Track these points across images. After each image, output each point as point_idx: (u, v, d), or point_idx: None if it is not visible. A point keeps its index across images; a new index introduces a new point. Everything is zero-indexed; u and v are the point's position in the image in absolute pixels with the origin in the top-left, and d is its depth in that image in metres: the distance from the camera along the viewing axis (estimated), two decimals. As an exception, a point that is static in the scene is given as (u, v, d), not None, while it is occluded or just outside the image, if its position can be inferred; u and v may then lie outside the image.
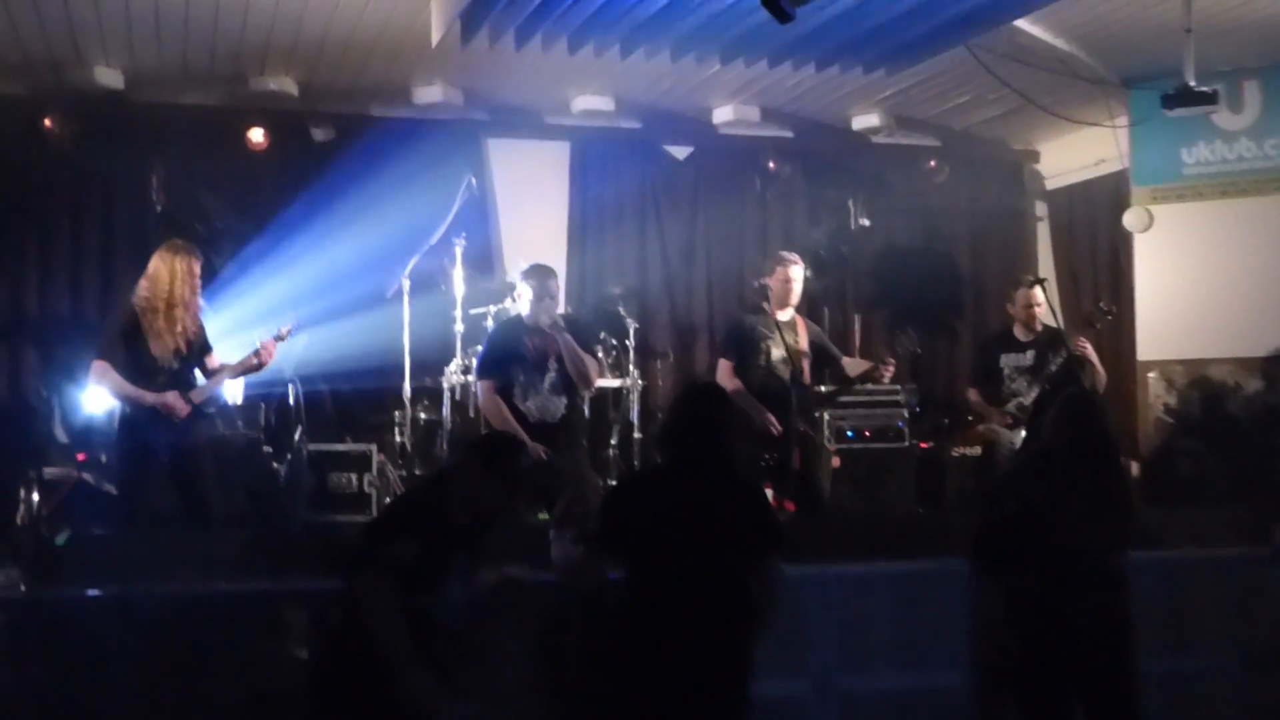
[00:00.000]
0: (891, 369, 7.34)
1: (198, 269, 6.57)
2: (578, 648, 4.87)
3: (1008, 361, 7.66)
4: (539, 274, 6.63)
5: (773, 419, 6.99)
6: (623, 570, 4.25)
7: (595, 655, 4.41)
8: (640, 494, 4.45)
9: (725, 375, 7.31)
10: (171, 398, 6.37)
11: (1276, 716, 5.74)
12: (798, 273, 7.41)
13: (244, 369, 6.69)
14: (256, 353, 6.61)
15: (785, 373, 7.16)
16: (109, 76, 8.62)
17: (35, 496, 6.63)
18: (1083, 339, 7.45)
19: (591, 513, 4.64)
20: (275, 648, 5.77)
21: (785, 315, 7.34)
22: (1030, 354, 7.60)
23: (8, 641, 5.56)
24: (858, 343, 10.10)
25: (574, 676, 4.94)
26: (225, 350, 6.88)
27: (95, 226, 9.18)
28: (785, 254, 7.57)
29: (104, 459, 7.47)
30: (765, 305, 7.35)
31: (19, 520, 6.95)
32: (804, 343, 7.32)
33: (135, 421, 6.40)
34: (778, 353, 7.21)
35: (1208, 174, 8.91)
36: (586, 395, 7.14)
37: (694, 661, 4.05)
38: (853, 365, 7.68)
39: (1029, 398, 7.43)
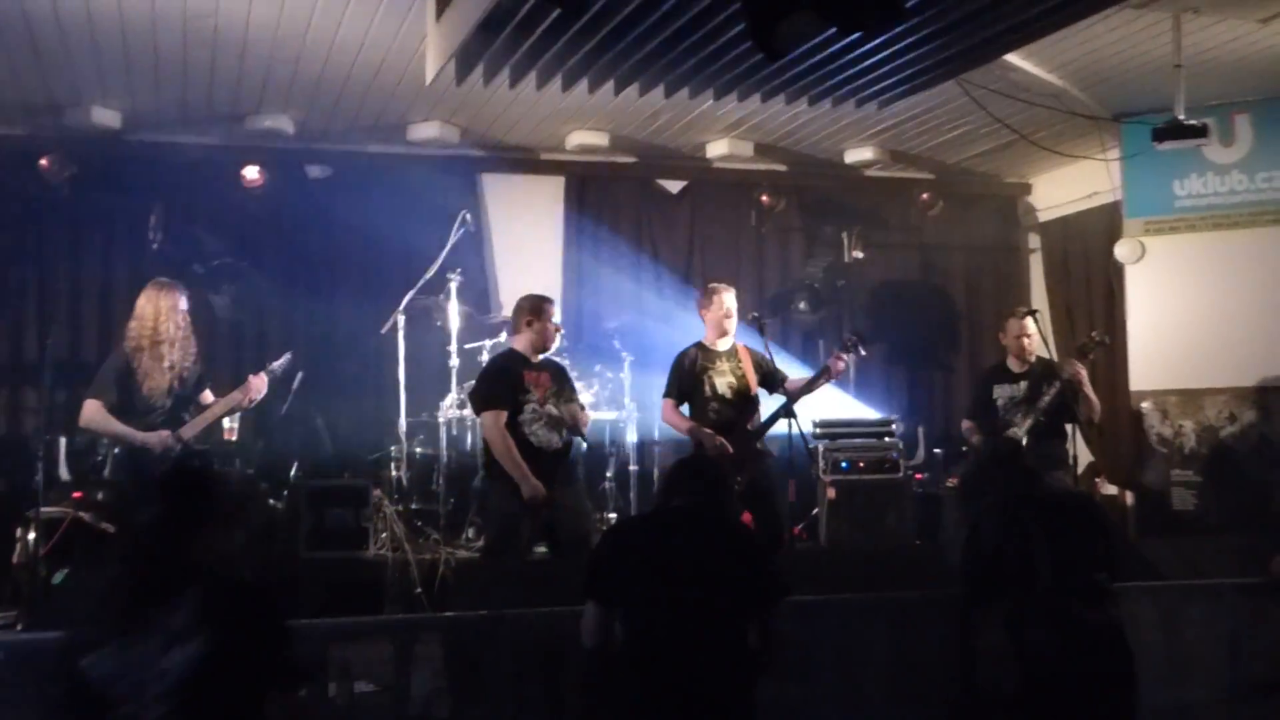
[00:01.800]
0: (842, 362, 7.37)
1: (184, 304, 6.59)
2: (578, 686, 4.87)
3: (1001, 393, 7.70)
4: (543, 302, 6.80)
5: (723, 441, 7.05)
6: (619, 615, 4.21)
7: (595, 695, 4.39)
8: (636, 537, 4.42)
9: (666, 412, 7.42)
10: (159, 437, 6.38)
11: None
12: (731, 299, 7.46)
13: (232, 406, 6.71)
14: (243, 390, 6.63)
15: (734, 400, 7.24)
16: (106, 117, 8.67)
17: (32, 536, 6.63)
18: (1078, 363, 7.49)
19: (589, 549, 4.63)
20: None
21: (725, 344, 7.40)
22: (1023, 385, 7.64)
23: (5, 680, 5.56)
24: (853, 375, 10.12)
25: (575, 715, 4.95)
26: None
27: (93, 266, 9.21)
28: (716, 284, 7.64)
29: (100, 497, 7.47)
30: (708, 343, 7.45)
31: (16, 560, 6.95)
32: (748, 369, 7.35)
33: (131, 461, 6.41)
34: (722, 382, 7.29)
35: (1199, 206, 8.96)
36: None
37: (691, 707, 4.01)
38: (800, 380, 7.72)
39: (1023, 428, 7.46)
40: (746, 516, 7.16)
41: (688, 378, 7.35)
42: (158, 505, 3.54)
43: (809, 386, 7.44)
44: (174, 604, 3.09)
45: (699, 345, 7.47)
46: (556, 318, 6.82)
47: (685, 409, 7.36)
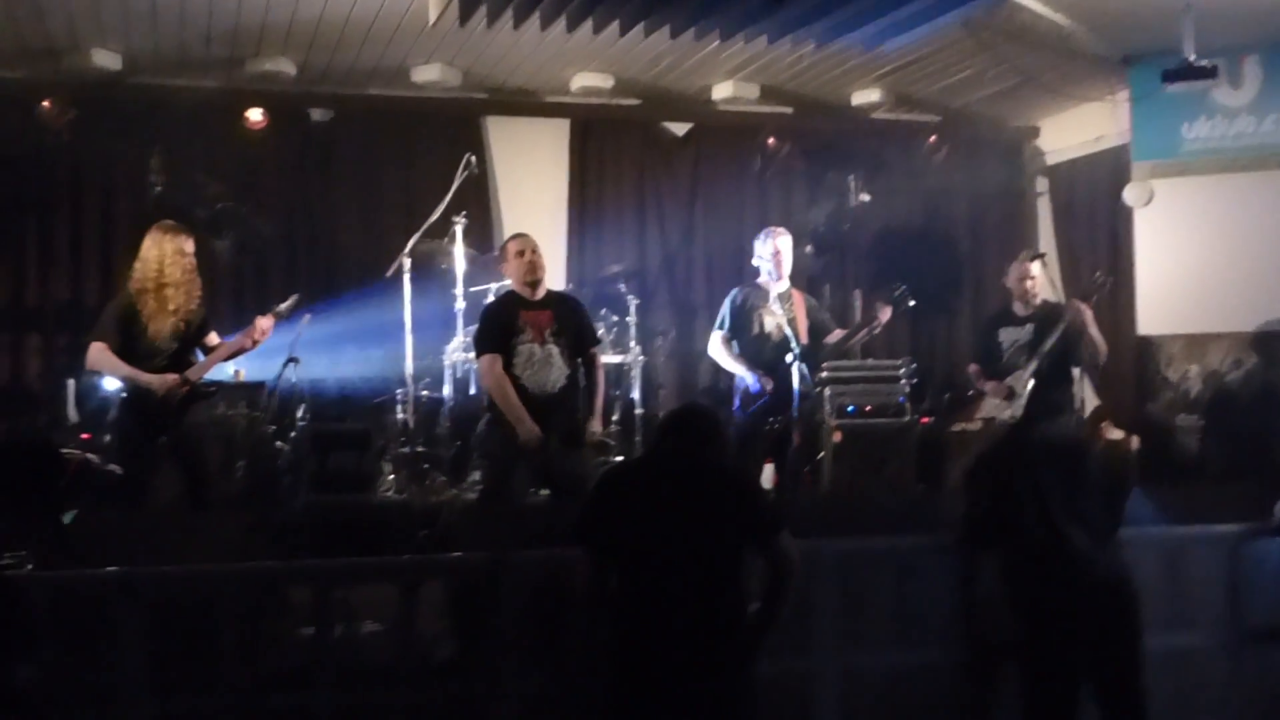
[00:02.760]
0: (887, 313, 7.41)
1: (189, 248, 6.58)
2: (580, 628, 4.90)
3: (1006, 336, 7.69)
4: (517, 236, 6.75)
5: (764, 376, 7.19)
6: (613, 559, 4.22)
7: (594, 639, 4.41)
8: (626, 483, 4.42)
9: (713, 345, 7.56)
10: (163, 379, 6.39)
11: (1274, 693, 5.76)
12: (786, 244, 7.50)
13: (238, 349, 6.70)
14: (248, 332, 6.62)
15: (779, 341, 7.28)
16: (106, 59, 8.61)
17: (40, 477, 6.65)
18: (1081, 304, 7.45)
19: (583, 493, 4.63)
20: (279, 627, 5.81)
21: (780, 287, 7.43)
22: (1029, 328, 7.62)
23: (14, 620, 5.59)
24: (858, 320, 10.10)
25: (575, 660, 4.98)
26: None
27: (95, 210, 9.20)
28: (773, 227, 7.68)
29: (108, 440, 7.51)
30: (759, 283, 7.48)
31: (24, 501, 6.98)
32: (800, 313, 7.40)
33: (135, 402, 6.42)
34: (771, 321, 7.33)
35: (1208, 149, 8.90)
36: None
37: (688, 648, 4.03)
38: (842, 331, 7.75)
39: (1027, 371, 7.46)
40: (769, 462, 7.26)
41: (739, 314, 7.46)
42: None
43: (850, 337, 7.50)
44: None
45: (753, 284, 7.56)
46: (529, 251, 6.58)
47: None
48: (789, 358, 7.20)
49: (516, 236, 6.77)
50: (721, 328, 7.53)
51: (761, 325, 7.38)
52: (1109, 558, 4.62)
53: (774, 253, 7.47)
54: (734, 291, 7.63)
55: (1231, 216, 8.76)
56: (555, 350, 6.52)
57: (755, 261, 7.58)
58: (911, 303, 7.64)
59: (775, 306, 7.37)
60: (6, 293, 9.01)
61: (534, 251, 6.59)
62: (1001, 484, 4.71)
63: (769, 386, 7.20)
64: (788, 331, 7.24)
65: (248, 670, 5.09)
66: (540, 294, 6.62)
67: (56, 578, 5.27)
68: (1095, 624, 4.52)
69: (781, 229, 7.69)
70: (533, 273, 6.56)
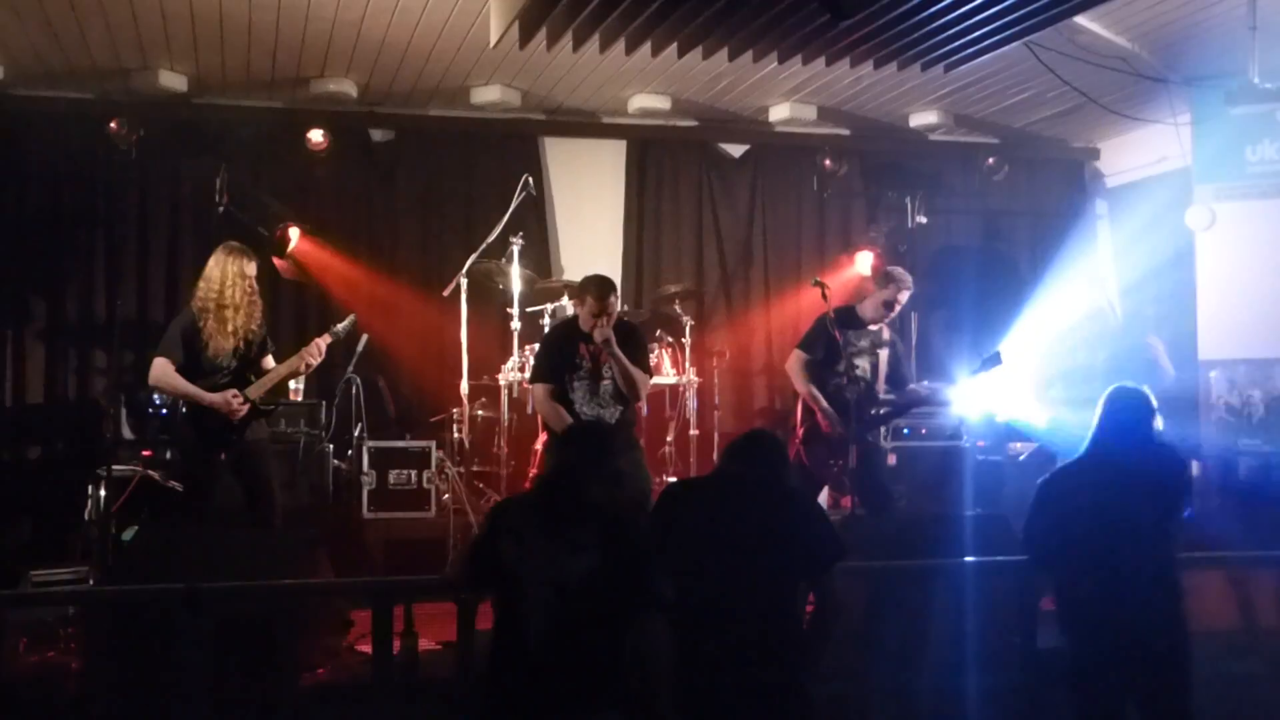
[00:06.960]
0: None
1: (251, 270, 6.63)
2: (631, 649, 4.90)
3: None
4: (598, 289, 6.44)
5: (834, 418, 6.91)
6: (672, 574, 4.22)
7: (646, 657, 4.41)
8: (688, 500, 4.44)
9: (794, 364, 7.15)
10: (227, 397, 6.45)
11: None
12: (906, 297, 7.26)
13: (294, 369, 6.75)
14: (304, 353, 6.66)
15: (863, 382, 7.08)
16: (173, 80, 8.75)
17: (103, 493, 6.74)
18: (1153, 337, 7.38)
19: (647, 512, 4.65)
20: (338, 642, 5.86)
21: (875, 326, 7.23)
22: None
23: (77, 634, 5.68)
24: (914, 341, 10.06)
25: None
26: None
27: (161, 228, 9.32)
28: (903, 273, 7.35)
29: (169, 456, 7.61)
30: (859, 313, 7.25)
31: (87, 516, 7.08)
32: (883, 358, 7.20)
33: (197, 419, 6.49)
34: (861, 361, 7.13)
35: (1272, 172, 8.79)
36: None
37: (743, 666, 4.03)
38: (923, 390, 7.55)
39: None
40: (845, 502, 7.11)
41: (832, 342, 7.01)
42: (560, 454, 4.42)
43: (929, 401, 7.36)
44: (580, 523, 3.95)
45: (851, 310, 7.24)
46: (607, 305, 6.37)
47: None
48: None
49: (605, 290, 6.46)
50: (805, 349, 7.15)
51: (850, 362, 7.02)
52: (1161, 583, 4.58)
53: (894, 301, 7.18)
54: (825, 315, 7.07)
55: (1296, 241, 8.66)
56: (612, 384, 6.49)
57: (889, 300, 7.20)
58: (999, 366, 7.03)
59: (865, 343, 7.13)
60: (74, 308, 9.15)
61: (610, 316, 6.40)
62: (1063, 505, 4.68)
63: (839, 430, 6.86)
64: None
65: (305, 684, 5.13)
66: None
67: (118, 591, 5.35)
68: (1143, 647, 4.49)
69: (910, 282, 7.32)
70: (591, 329, 6.41)
